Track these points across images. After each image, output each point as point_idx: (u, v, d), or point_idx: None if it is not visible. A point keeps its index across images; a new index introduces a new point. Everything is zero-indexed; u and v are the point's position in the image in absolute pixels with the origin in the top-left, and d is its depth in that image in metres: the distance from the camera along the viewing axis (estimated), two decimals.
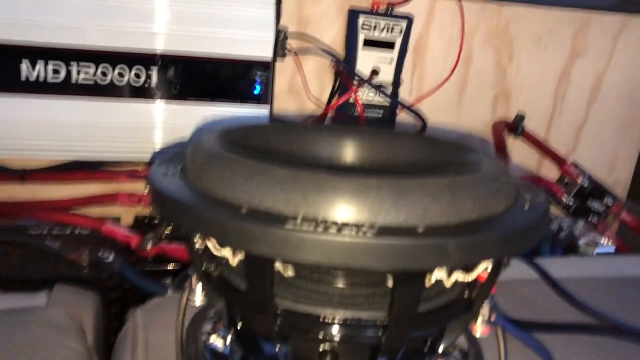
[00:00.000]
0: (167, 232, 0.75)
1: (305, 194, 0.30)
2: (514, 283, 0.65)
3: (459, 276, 0.34)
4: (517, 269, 0.68)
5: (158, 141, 0.83)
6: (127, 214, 0.88)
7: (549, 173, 1.09)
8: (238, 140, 0.41)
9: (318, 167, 0.32)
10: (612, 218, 1.01)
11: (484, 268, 0.35)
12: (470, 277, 0.34)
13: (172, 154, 0.42)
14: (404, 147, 0.47)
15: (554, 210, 1.01)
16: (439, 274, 0.33)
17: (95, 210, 0.85)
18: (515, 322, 0.54)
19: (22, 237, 0.74)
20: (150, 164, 0.84)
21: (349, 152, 0.46)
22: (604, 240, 0.93)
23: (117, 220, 0.83)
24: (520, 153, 1.08)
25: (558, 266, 0.70)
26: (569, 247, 0.94)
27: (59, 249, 0.71)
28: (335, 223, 0.29)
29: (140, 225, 0.84)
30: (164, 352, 0.50)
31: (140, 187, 0.86)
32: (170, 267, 0.75)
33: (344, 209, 0.30)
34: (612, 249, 0.93)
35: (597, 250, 0.92)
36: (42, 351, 0.50)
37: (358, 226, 0.29)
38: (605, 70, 1.11)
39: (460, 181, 0.33)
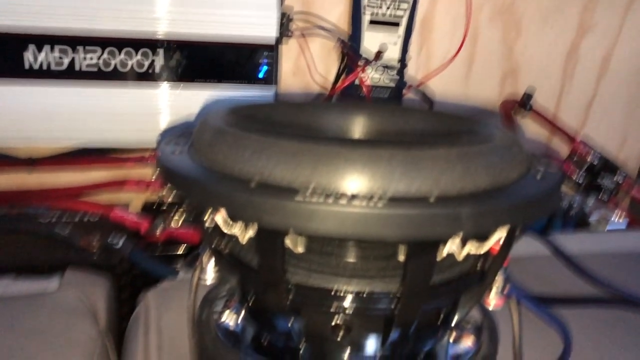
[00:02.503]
0: (176, 218, 0.76)
1: (315, 166, 0.30)
2: (527, 259, 0.65)
3: (471, 248, 0.33)
4: (530, 245, 0.68)
5: (164, 126, 0.83)
6: (136, 200, 0.88)
7: (558, 150, 1.08)
8: (245, 117, 0.41)
9: (327, 139, 0.32)
10: (623, 194, 1.00)
11: (496, 239, 0.34)
12: (483, 249, 0.34)
13: (179, 132, 0.41)
14: (413, 121, 0.46)
15: (565, 187, 1.00)
16: (451, 246, 0.32)
17: (104, 197, 0.85)
18: (528, 295, 0.54)
19: (32, 225, 0.74)
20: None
21: (357, 126, 0.46)
22: (615, 217, 0.92)
23: (126, 206, 0.83)
24: (529, 130, 1.07)
25: (570, 242, 0.70)
26: (580, 225, 0.93)
27: (68, 236, 0.71)
28: (346, 194, 0.29)
29: (149, 210, 0.84)
30: (177, 334, 0.51)
31: (148, 173, 0.86)
32: (180, 251, 0.75)
33: (355, 180, 0.29)
34: (623, 225, 0.92)
35: (608, 227, 0.92)
36: (54, 335, 0.51)
37: (369, 197, 0.29)
38: (615, 45, 1.10)
39: (472, 151, 0.33)
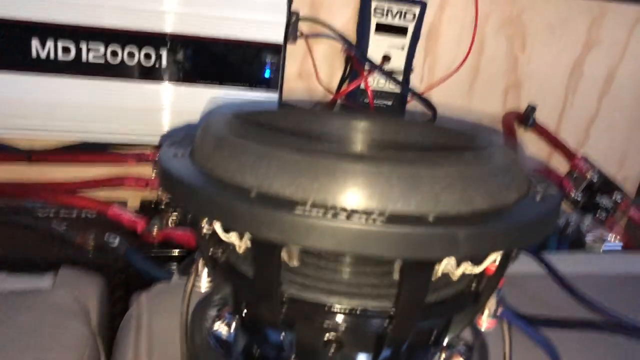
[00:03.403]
0: (172, 218, 0.75)
1: (315, 180, 0.30)
2: (520, 278, 0.64)
3: (467, 268, 0.33)
4: (524, 264, 0.67)
5: (166, 124, 0.83)
6: (134, 198, 0.87)
7: (558, 166, 1.07)
8: (248, 124, 0.40)
9: (328, 153, 0.32)
10: (621, 214, 1.00)
11: (492, 260, 0.34)
12: (478, 270, 0.34)
13: (182, 136, 0.41)
14: (414, 135, 0.46)
15: (562, 205, 0.99)
16: (447, 265, 0.32)
17: (101, 194, 0.85)
18: (521, 316, 0.54)
19: (29, 219, 0.74)
20: (158, 146, 0.83)
21: (359, 138, 0.46)
22: (611, 237, 0.92)
23: (123, 204, 0.83)
24: (530, 145, 1.07)
25: (565, 262, 0.70)
26: (576, 243, 0.93)
27: (65, 232, 0.71)
28: (344, 209, 0.29)
29: (147, 209, 0.84)
30: (168, 338, 0.50)
31: (147, 171, 0.86)
32: (176, 252, 0.74)
33: (354, 196, 0.29)
34: (619, 246, 0.92)
35: (604, 246, 0.91)
36: (46, 333, 0.50)
37: (368, 213, 0.29)
38: (619, 63, 1.10)
39: (472, 171, 0.33)
